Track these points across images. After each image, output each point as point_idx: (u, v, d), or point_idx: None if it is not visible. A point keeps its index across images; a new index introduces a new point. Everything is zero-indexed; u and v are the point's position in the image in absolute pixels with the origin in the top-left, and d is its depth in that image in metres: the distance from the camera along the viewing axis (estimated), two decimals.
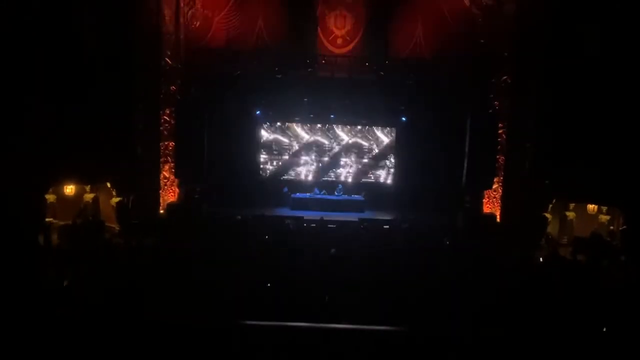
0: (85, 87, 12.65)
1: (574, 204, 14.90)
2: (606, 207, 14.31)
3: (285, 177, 19.40)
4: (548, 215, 14.98)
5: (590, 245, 12.40)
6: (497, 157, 16.32)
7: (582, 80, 13.73)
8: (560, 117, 14.21)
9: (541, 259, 10.53)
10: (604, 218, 14.39)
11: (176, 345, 2.75)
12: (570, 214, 14.95)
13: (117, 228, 13.99)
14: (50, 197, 13.59)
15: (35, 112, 11.44)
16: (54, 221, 13.53)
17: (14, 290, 5.54)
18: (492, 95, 16.44)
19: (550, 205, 15.00)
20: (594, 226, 14.03)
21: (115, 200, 14.51)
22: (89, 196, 14.55)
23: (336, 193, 18.49)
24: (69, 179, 13.50)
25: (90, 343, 2.76)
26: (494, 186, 16.45)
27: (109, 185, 14.52)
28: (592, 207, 14.52)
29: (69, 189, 13.87)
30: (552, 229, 15.10)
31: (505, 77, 16.10)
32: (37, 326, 2.98)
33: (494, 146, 16.19)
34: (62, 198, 13.90)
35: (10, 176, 10.46)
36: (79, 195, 14.30)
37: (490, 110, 16.38)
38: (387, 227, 14.20)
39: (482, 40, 16.49)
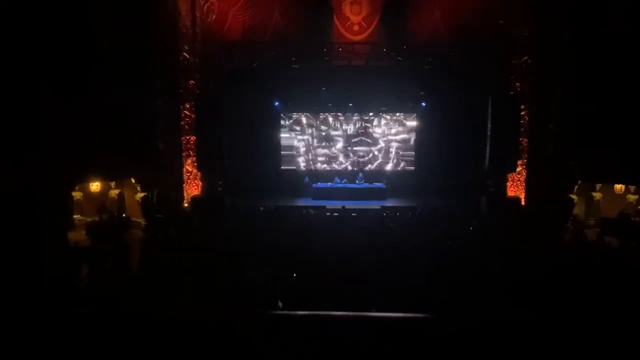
0: (105, 85, 12.80)
1: (600, 185, 14.62)
2: (634, 187, 14.02)
3: (306, 167, 19.42)
4: (574, 197, 14.74)
5: (618, 226, 12.18)
6: (520, 139, 16.08)
7: (605, 57, 13.39)
8: (584, 96, 13.89)
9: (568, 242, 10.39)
10: (632, 198, 14.11)
11: (201, 338, 2.79)
12: (597, 195, 14.69)
13: (143, 223, 14.21)
14: (76, 195, 13.88)
15: (58, 112, 11.63)
16: (81, 218, 13.83)
17: (43, 289, 5.67)
18: (513, 77, 16.16)
19: (576, 187, 14.75)
20: (621, 206, 13.76)
21: (140, 195, 14.73)
22: (114, 192, 14.82)
23: (357, 182, 18.47)
24: (94, 176, 13.75)
25: (114, 340, 2.80)
26: (518, 169, 16.22)
27: (133, 181, 14.75)
28: (619, 187, 14.24)
29: (95, 186, 14.13)
30: (579, 210, 14.86)
31: (525, 58, 15.79)
32: (63, 324, 3.04)
33: (517, 128, 15.94)
34: (88, 195, 14.18)
35: (38, 175, 10.69)
36: (104, 192, 14.57)
37: (512, 92, 16.12)
38: (410, 213, 14.14)
39: (501, 21, 16.18)
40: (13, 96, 10.80)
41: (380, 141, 19.42)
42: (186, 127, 16.12)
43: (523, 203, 16.09)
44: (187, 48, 15.76)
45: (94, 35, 12.88)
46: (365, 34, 17.58)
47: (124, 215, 14.30)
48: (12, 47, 10.84)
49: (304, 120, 19.33)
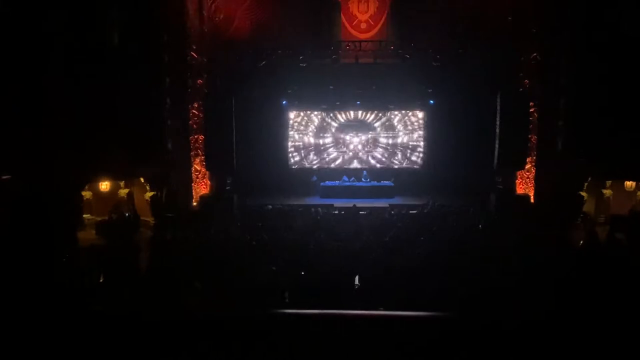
0: (114, 85, 12.87)
1: (610, 181, 14.50)
2: None
3: (314, 166, 19.42)
4: (584, 194, 14.63)
5: (629, 223, 12.07)
6: (529, 136, 15.97)
7: (615, 52, 13.27)
8: (593, 93, 13.78)
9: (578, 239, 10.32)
10: None
11: (209, 337, 2.80)
12: (607, 192, 14.58)
13: (152, 222, 14.29)
14: (86, 194, 13.99)
15: (67, 112, 11.72)
16: (91, 217, 13.93)
17: (53, 288, 5.71)
18: (521, 74, 16.06)
19: (586, 184, 14.65)
20: (632, 203, 13.66)
21: (149, 194, 14.80)
22: (123, 192, 14.90)
23: (363, 180, 18.43)
24: (103, 175, 13.85)
25: (123, 340, 2.82)
26: (527, 166, 16.13)
27: (142, 180, 14.83)
28: (629, 184, 14.12)
29: (104, 185, 14.23)
30: (589, 207, 14.75)
31: (534, 55, 15.69)
32: (72, 324, 3.06)
33: (526, 126, 15.83)
34: (97, 194, 14.28)
35: (48, 175, 10.78)
36: (113, 191, 14.66)
37: (521, 89, 16.02)
38: (417, 211, 14.10)
39: (509, 18, 16.07)
40: (22, 96, 10.89)
41: (388, 139, 19.36)
42: (195, 126, 16.19)
43: (532, 201, 16.00)
44: (195, 47, 15.82)
45: (104, 35, 12.95)
46: (373, 32, 17.51)
47: (133, 214, 14.38)
48: (22, 47, 10.93)
49: (311, 118, 19.32)
